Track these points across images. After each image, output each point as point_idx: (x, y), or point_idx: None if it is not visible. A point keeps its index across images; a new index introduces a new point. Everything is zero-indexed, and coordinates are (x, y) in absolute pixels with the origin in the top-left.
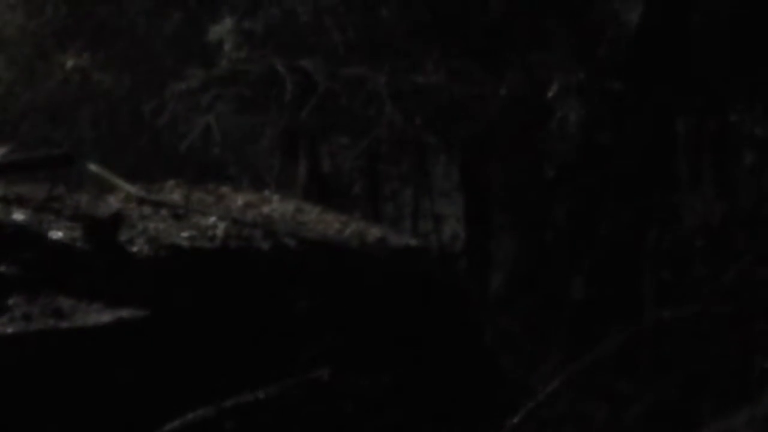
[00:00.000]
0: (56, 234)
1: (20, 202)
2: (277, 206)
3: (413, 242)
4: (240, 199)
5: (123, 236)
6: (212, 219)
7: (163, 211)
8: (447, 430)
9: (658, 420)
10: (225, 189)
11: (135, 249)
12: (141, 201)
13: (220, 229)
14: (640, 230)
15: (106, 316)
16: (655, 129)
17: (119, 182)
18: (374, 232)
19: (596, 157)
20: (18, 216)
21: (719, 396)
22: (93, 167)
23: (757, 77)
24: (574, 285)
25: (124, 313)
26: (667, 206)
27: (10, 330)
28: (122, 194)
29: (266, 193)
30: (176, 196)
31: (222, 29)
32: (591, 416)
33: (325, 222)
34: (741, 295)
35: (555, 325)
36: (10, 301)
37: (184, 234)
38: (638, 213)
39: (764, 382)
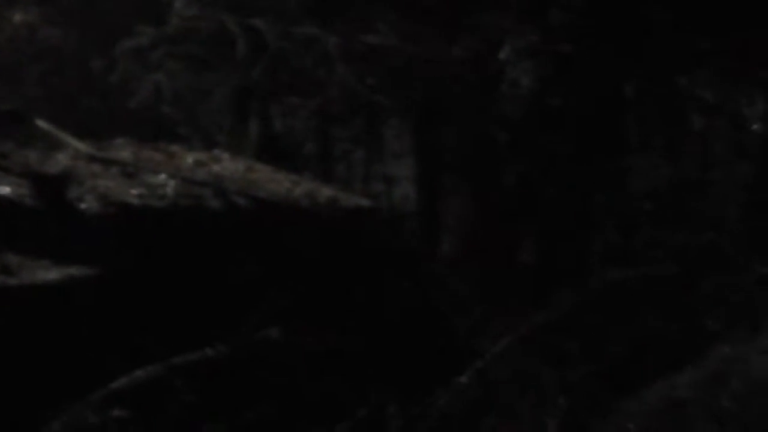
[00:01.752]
0: (3, 190)
1: None
2: (227, 165)
3: (364, 203)
4: (190, 158)
5: (72, 193)
6: (162, 177)
7: (113, 169)
8: (396, 388)
9: (604, 379)
10: (175, 147)
11: (84, 206)
12: (90, 158)
13: (170, 187)
14: (589, 193)
15: (54, 273)
16: (604, 93)
17: (68, 139)
18: (325, 192)
19: (547, 121)
20: None
21: (664, 356)
22: (42, 123)
23: (704, 42)
24: (523, 247)
25: (73, 270)
26: (615, 170)
27: None
28: (71, 151)
29: (217, 152)
30: (126, 154)
31: None
32: (538, 376)
33: (275, 181)
34: (687, 258)
35: (504, 286)
36: None
37: (134, 192)
38: (587, 176)
39: (708, 343)
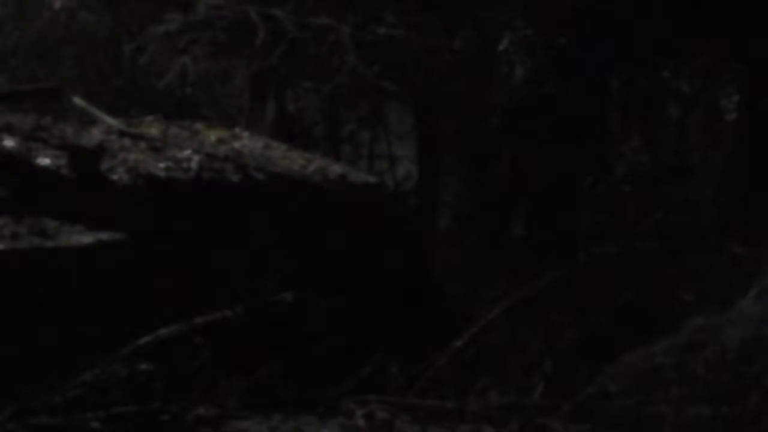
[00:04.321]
0: (43, 161)
1: (10, 130)
2: (246, 142)
3: (370, 179)
4: (213, 135)
5: (104, 165)
6: (187, 152)
7: (142, 144)
8: (397, 349)
9: (588, 347)
10: (199, 125)
11: (115, 177)
12: (122, 134)
13: (194, 161)
14: (576, 175)
15: (87, 238)
16: (592, 84)
17: (102, 116)
18: (335, 169)
19: (539, 108)
20: (8, 143)
21: (643, 326)
22: (78, 101)
23: (684, 39)
24: (514, 224)
25: (104, 235)
26: (601, 154)
27: (0, 246)
28: (104, 127)
29: (237, 130)
30: (154, 131)
31: None
32: (527, 342)
33: (290, 158)
34: (665, 236)
35: (496, 259)
36: (1, 221)
37: (161, 165)
38: (575, 160)
39: (684, 314)
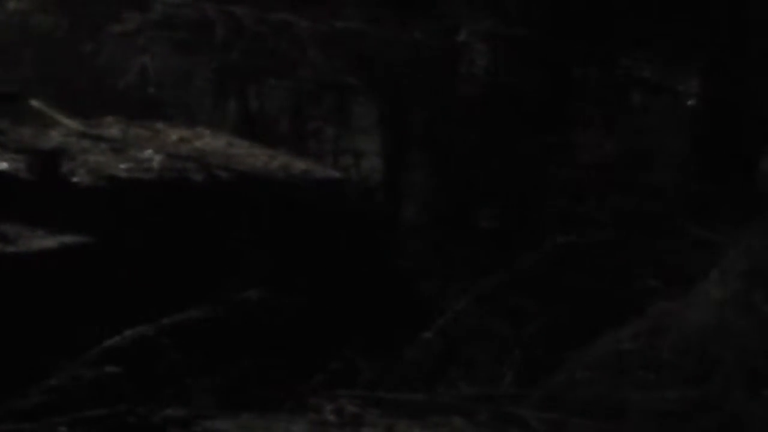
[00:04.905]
0: (1, 165)
1: None
2: (209, 141)
3: (335, 174)
4: (174, 135)
5: (65, 168)
6: (149, 152)
7: (103, 145)
8: (366, 343)
9: (555, 334)
10: (160, 125)
11: (76, 179)
12: (81, 135)
13: (156, 161)
14: (540, 165)
15: (49, 242)
16: (554, 73)
17: (61, 118)
18: (299, 165)
19: (501, 99)
20: None
21: (609, 312)
22: (36, 103)
23: (645, 27)
24: (481, 214)
25: (67, 238)
26: (564, 143)
27: None
28: (64, 129)
29: (199, 129)
30: (115, 131)
31: None
32: (495, 331)
33: (253, 156)
34: (630, 222)
35: (463, 250)
36: None
37: (123, 166)
38: (539, 149)
39: (648, 299)
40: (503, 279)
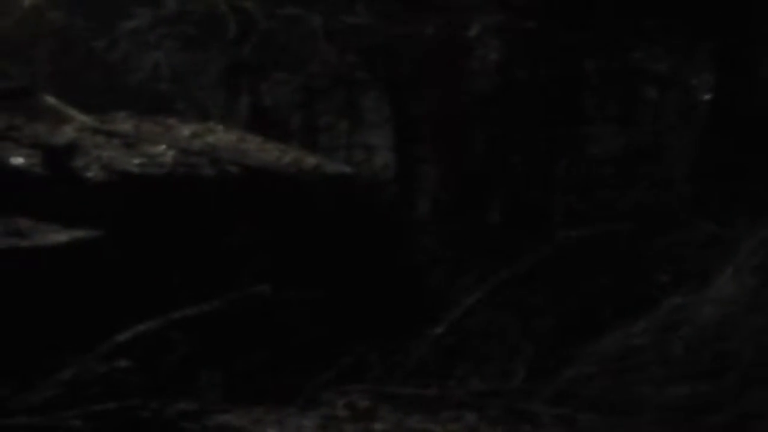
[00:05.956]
0: (16, 160)
1: None
2: (221, 136)
3: (346, 170)
4: (187, 130)
5: (78, 163)
6: (161, 147)
7: (116, 140)
8: (377, 338)
9: (567, 329)
10: (173, 120)
11: (89, 175)
12: (95, 131)
13: (169, 156)
14: (551, 159)
15: (62, 236)
16: (566, 67)
17: (74, 113)
18: (310, 161)
19: (513, 93)
20: None
21: (621, 307)
22: (49, 99)
23: (656, 20)
24: (491, 208)
25: (80, 233)
26: (575, 137)
27: None
28: (77, 124)
29: (211, 124)
30: (127, 127)
31: None
32: (506, 326)
33: (265, 151)
34: (641, 217)
35: (474, 245)
36: None
37: (135, 161)
38: (550, 144)
39: (660, 295)
40: (513, 273)
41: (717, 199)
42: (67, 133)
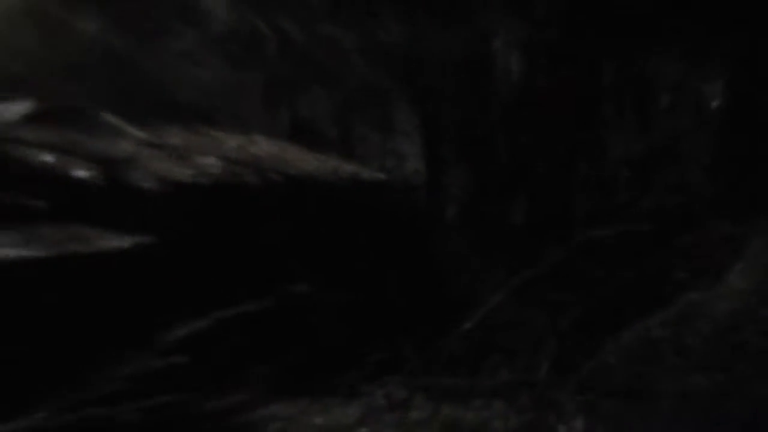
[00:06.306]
0: (79, 173)
1: (46, 145)
2: (264, 147)
3: (380, 176)
4: (232, 142)
5: (135, 175)
6: (209, 159)
7: (167, 153)
8: (411, 334)
9: (588, 324)
10: (219, 133)
11: (146, 185)
12: (148, 144)
13: (216, 167)
14: (573, 162)
15: (123, 242)
16: (585, 74)
17: (130, 129)
18: (347, 169)
19: (536, 100)
20: (45, 158)
21: (640, 302)
22: (108, 117)
23: (669, 27)
24: (516, 210)
25: (137, 239)
26: (596, 141)
27: (44, 254)
28: (132, 138)
29: (254, 136)
30: (177, 140)
31: None
32: (531, 321)
33: (305, 160)
34: (659, 217)
35: (500, 245)
36: (43, 230)
37: (186, 172)
38: (571, 148)
39: (677, 290)
40: (538, 272)
41: (730, 198)
42: (124, 148)
